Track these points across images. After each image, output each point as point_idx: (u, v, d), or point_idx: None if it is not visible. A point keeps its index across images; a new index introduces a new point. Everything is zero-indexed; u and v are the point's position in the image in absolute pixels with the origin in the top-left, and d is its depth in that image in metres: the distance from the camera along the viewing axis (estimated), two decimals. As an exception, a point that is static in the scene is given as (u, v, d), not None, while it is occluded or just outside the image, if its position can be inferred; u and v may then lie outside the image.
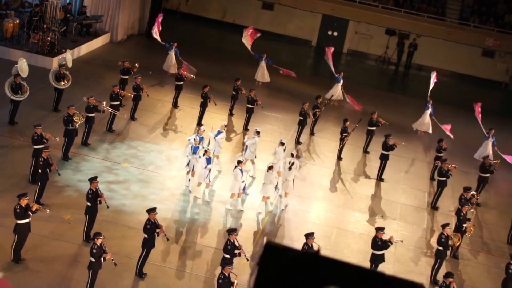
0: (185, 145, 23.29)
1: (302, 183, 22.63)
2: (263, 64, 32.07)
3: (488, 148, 26.92)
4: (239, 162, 20.45)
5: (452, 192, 23.70)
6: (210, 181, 21.12)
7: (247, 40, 32.02)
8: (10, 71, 23.76)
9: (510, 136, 30.41)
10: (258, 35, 32.38)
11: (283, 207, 21.18)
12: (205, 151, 20.64)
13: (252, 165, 22.93)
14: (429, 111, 29.51)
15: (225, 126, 23.21)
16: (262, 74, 32.19)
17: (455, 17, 41.82)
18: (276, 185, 20.99)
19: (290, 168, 21.01)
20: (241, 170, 20.36)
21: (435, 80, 30.30)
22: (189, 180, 21.26)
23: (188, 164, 21.25)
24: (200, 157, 20.71)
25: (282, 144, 22.55)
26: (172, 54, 30.96)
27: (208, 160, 20.65)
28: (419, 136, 29.55)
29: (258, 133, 23.01)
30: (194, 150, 20.95)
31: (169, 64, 31.09)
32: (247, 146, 22.84)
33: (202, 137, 21.93)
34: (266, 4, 42.33)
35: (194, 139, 21.31)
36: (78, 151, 22.18)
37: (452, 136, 28.32)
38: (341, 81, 31.24)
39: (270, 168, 20.53)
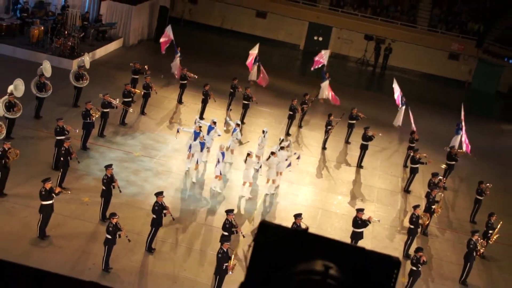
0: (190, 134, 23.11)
1: (291, 170, 22.59)
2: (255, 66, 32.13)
3: (457, 141, 26.87)
4: (225, 148, 20.39)
5: (422, 178, 23.73)
6: (201, 162, 20.84)
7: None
8: (36, 71, 23.73)
9: (472, 129, 30.38)
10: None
11: (272, 191, 21.11)
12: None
13: (231, 154, 22.56)
14: (403, 107, 29.54)
15: (214, 122, 22.59)
16: (254, 74, 32.23)
17: (425, 25, 41.82)
18: (258, 169, 20.61)
19: (268, 158, 20.88)
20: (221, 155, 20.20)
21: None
22: (189, 167, 21.24)
23: (190, 149, 21.17)
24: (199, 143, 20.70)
25: (263, 132, 22.75)
26: (177, 57, 30.82)
27: (202, 145, 20.63)
28: (395, 128, 29.57)
29: (238, 125, 22.82)
30: (195, 137, 20.92)
31: (175, 66, 30.97)
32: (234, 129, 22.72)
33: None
34: (260, 13, 42.25)
35: (200, 126, 21.39)
36: (95, 141, 22.12)
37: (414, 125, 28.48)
38: (327, 81, 31.17)
39: (248, 154, 20.38)
